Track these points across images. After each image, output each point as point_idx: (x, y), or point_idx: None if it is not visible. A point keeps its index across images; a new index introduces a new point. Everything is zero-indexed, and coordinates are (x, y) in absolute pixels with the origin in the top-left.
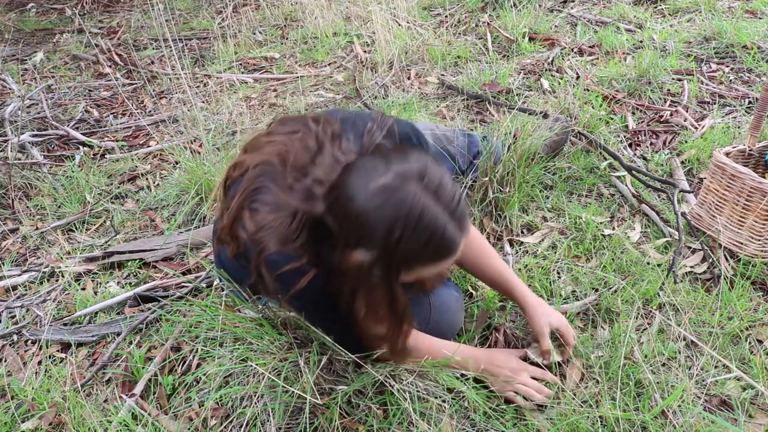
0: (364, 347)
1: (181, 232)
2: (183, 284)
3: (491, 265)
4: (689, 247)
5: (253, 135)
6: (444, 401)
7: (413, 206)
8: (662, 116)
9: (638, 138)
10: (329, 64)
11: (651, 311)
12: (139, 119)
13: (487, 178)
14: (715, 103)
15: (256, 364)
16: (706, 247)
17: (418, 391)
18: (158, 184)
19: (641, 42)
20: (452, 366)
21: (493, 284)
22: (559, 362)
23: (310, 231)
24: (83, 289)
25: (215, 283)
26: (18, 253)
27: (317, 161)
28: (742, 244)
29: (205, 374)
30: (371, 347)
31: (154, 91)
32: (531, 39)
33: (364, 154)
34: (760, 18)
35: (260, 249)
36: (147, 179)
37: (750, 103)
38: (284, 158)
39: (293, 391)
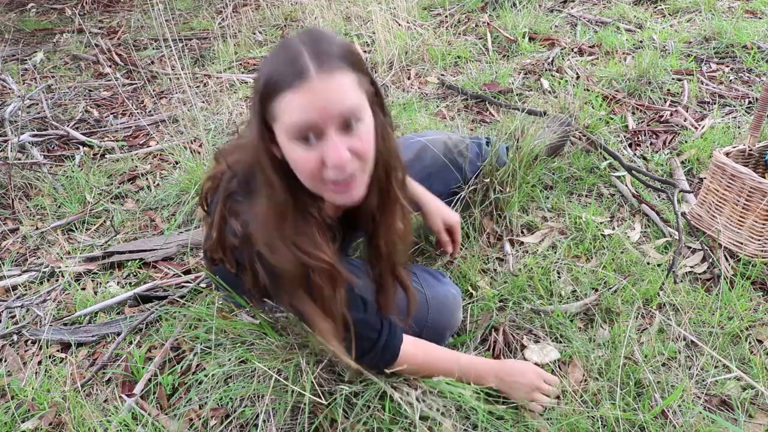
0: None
1: (181, 232)
2: (183, 284)
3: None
4: (689, 247)
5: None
6: (445, 406)
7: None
8: (662, 116)
9: (638, 138)
10: None
11: (651, 311)
12: (139, 119)
13: (488, 180)
14: (715, 103)
15: (257, 365)
16: (706, 247)
17: (417, 400)
18: (158, 184)
19: (641, 42)
20: (468, 382)
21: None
22: (558, 361)
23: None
24: (83, 289)
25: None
26: (18, 253)
27: None
28: (742, 244)
29: (205, 374)
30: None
31: (154, 91)
32: (531, 39)
33: None
34: (760, 18)
35: (251, 245)
36: (147, 179)
37: (750, 103)
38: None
39: (294, 391)
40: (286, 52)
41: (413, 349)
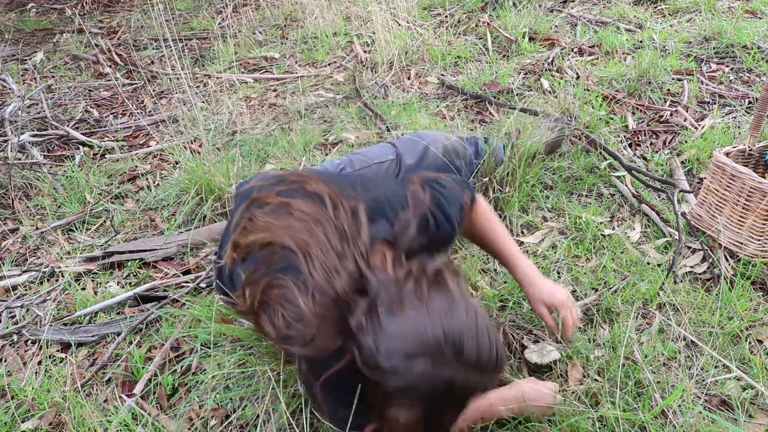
0: None
1: (181, 232)
2: (183, 284)
3: (494, 240)
4: (689, 247)
5: (259, 194)
6: None
7: (448, 381)
8: (662, 116)
9: (638, 138)
10: (329, 64)
11: (651, 311)
12: (139, 119)
13: (487, 179)
14: (715, 103)
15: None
16: (706, 247)
17: None
18: (158, 184)
19: (641, 42)
20: (487, 419)
21: (496, 258)
22: (558, 362)
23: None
24: (83, 289)
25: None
26: (18, 253)
27: (346, 254)
28: (742, 244)
29: (205, 375)
30: None
31: (154, 91)
32: (531, 39)
33: (399, 281)
34: (760, 18)
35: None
36: (147, 179)
37: (750, 103)
38: (305, 250)
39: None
40: (460, 394)
41: None
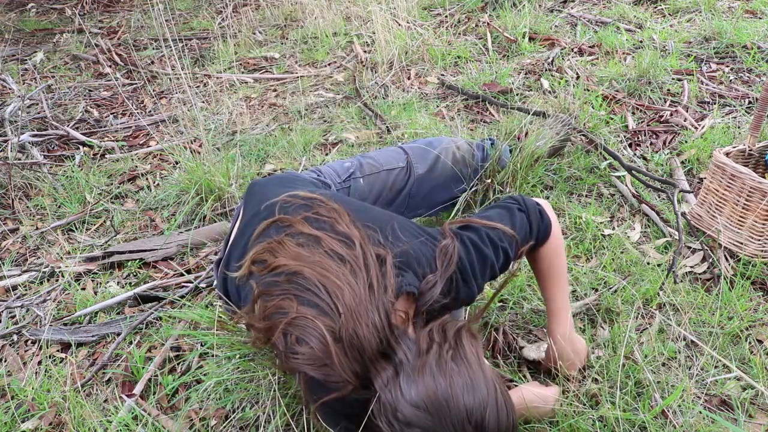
0: None
1: (181, 232)
2: (183, 284)
3: (546, 288)
4: (689, 247)
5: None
6: None
7: None
8: (662, 116)
9: (638, 138)
10: (329, 64)
11: (651, 311)
12: (139, 119)
13: (489, 181)
14: (715, 103)
15: (258, 373)
16: (706, 247)
17: None
18: (158, 184)
19: (641, 42)
20: None
21: (544, 300)
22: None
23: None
24: (83, 289)
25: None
26: (18, 253)
27: (372, 305)
28: (742, 244)
29: (204, 374)
30: None
31: (154, 91)
32: (531, 39)
33: (419, 363)
34: (760, 18)
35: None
36: (147, 179)
37: (750, 103)
38: (333, 292)
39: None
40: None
41: None
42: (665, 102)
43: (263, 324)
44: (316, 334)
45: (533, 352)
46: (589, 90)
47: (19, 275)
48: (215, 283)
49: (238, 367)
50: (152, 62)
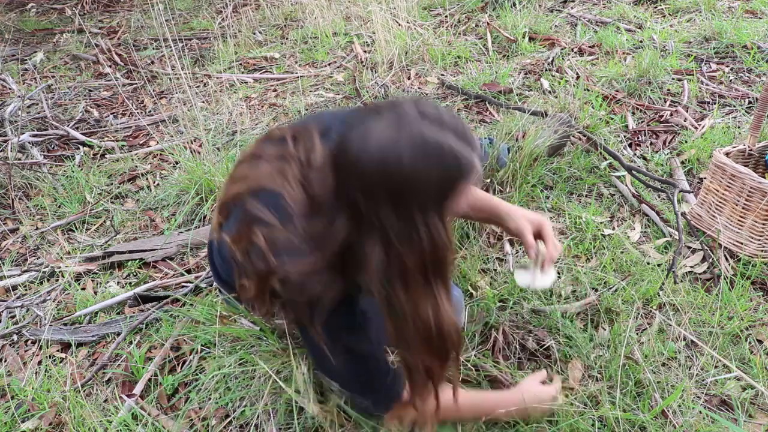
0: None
1: (181, 232)
2: (183, 284)
3: (483, 202)
4: (689, 247)
5: (238, 160)
6: None
7: (428, 144)
8: (662, 116)
9: (638, 138)
10: (329, 64)
11: (651, 311)
12: (139, 119)
13: (488, 180)
14: (715, 103)
15: (258, 366)
16: (706, 247)
17: None
18: (158, 184)
19: (641, 42)
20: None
21: (480, 213)
22: (559, 362)
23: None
24: (83, 289)
25: (214, 284)
26: (18, 253)
27: (310, 181)
28: (742, 244)
29: (205, 375)
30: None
31: (154, 91)
32: (531, 39)
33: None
34: (760, 18)
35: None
36: (147, 179)
37: (750, 103)
38: (273, 183)
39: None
40: (445, 157)
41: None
42: (665, 102)
43: (251, 270)
44: (273, 221)
45: (524, 281)
46: (589, 90)
47: (19, 275)
48: (209, 270)
49: (239, 361)
50: (152, 62)
